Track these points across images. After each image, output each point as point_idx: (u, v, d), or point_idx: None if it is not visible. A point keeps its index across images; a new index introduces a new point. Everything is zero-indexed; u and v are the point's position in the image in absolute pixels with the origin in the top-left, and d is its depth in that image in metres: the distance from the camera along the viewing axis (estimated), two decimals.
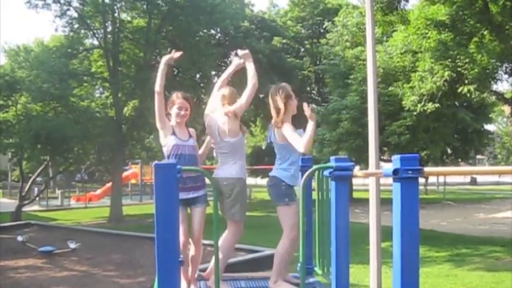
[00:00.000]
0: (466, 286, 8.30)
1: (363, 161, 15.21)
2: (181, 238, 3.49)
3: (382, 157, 15.32)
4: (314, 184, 3.84)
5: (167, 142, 3.62)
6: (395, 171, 2.37)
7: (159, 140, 3.72)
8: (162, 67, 3.60)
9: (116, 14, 20.10)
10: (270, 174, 3.75)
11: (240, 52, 3.86)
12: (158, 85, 3.58)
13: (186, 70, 21.53)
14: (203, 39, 21.24)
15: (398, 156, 2.38)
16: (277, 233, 3.77)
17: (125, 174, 25.67)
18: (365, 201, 10.11)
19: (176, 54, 3.65)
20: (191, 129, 3.84)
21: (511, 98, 13.81)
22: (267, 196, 3.89)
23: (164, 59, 3.63)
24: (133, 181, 29.91)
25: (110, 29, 20.12)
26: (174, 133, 3.64)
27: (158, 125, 3.66)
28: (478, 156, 38.72)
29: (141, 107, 19.87)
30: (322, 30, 26.99)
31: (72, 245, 10.35)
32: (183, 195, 3.51)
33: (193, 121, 3.96)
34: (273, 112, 3.75)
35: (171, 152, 3.59)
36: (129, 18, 21.30)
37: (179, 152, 3.59)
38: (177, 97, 3.74)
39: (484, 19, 10.98)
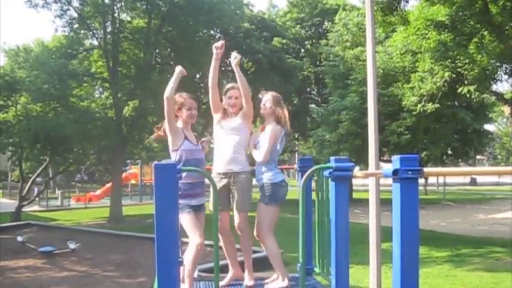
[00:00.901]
0: (465, 286, 8.30)
1: (363, 162, 15.21)
2: (199, 240, 3.48)
3: (382, 157, 15.31)
4: (314, 185, 3.84)
5: (181, 147, 3.62)
6: (395, 172, 2.37)
7: (169, 143, 3.70)
8: (176, 75, 3.61)
9: (115, 14, 20.10)
10: (283, 178, 3.80)
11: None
12: (170, 91, 3.55)
13: (186, 70, 21.49)
14: (203, 39, 21.24)
15: (398, 156, 2.39)
16: (277, 233, 3.78)
17: (124, 174, 25.68)
18: (365, 202, 10.12)
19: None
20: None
21: (510, 99, 13.82)
22: None
23: (178, 69, 3.65)
24: (133, 181, 29.91)
25: (109, 29, 20.12)
26: (186, 137, 3.66)
27: (169, 130, 3.65)
28: (478, 157, 38.70)
29: (141, 108, 19.88)
30: (321, 31, 27.04)
31: (72, 245, 10.34)
32: (200, 201, 3.64)
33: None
34: (277, 119, 3.82)
35: (184, 157, 3.60)
36: (129, 19, 21.30)
37: (192, 156, 3.63)
38: (183, 98, 3.75)
39: (484, 20, 10.98)
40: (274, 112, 3.83)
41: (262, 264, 4.26)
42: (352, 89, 16.22)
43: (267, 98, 3.88)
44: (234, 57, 3.79)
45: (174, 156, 3.64)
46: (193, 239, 3.47)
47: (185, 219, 3.49)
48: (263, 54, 23.79)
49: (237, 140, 3.77)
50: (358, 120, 15.02)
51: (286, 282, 3.69)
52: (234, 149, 3.74)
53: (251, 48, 24.06)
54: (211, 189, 3.42)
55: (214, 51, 3.83)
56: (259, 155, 3.74)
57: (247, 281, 3.75)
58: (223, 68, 26.52)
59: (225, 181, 3.73)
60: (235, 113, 3.83)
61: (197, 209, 3.63)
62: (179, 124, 3.71)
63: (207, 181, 3.65)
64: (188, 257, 3.47)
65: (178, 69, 3.67)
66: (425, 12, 11.78)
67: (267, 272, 3.99)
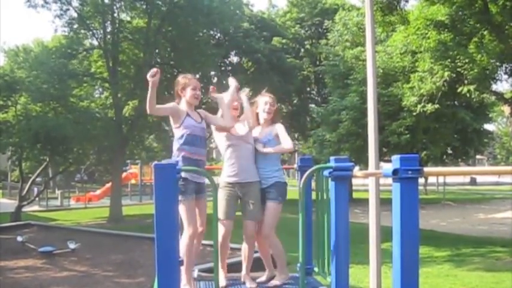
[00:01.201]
0: (465, 286, 8.30)
1: (363, 162, 15.20)
2: (192, 229, 3.50)
3: (383, 158, 15.25)
4: (314, 184, 3.84)
5: (183, 123, 3.62)
6: (395, 172, 2.37)
7: (171, 123, 3.72)
8: (150, 90, 3.42)
9: (115, 14, 20.09)
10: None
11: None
12: (150, 107, 3.45)
13: (186, 70, 21.52)
14: (203, 39, 21.24)
15: (398, 156, 2.39)
16: (278, 233, 3.78)
17: (124, 174, 25.67)
18: (364, 202, 10.11)
19: (153, 72, 3.41)
20: (201, 110, 3.83)
21: (510, 98, 13.81)
22: None
23: (150, 82, 3.40)
24: (133, 181, 29.90)
25: (109, 29, 20.11)
26: (188, 114, 3.66)
27: (169, 114, 3.66)
28: (478, 157, 38.72)
29: (140, 107, 19.87)
30: (321, 31, 27.03)
31: (72, 245, 10.32)
32: (200, 179, 3.60)
33: None
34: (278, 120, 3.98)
35: (186, 132, 3.60)
36: (128, 19, 21.28)
37: (195, 132, 3.62)
38: (188, 79, 3.74)
39: (483, 19, 10.97)
40: (278, 113, 3.97)
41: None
42: (352, 89, 16.21)
43: (269, 101, 3.91)
44: (244, 93, 3.92)
45: (177, 133, 3.64)
46: (187, 229, 3.51)
47: (184, 206, 3.46)
48: (262, 54, 23.80)
49: (248, 147, 3.80)
50: (358, 120, 15.01)
51: (288, 274, 3.86)
52: (246, 158, 3.77)
53: (250, 48, 24.07)
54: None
55: (232, 85, 3.81)
56: (286, 144, 3.77)
57: (249, 283, 3.78)
58: (223, 68, 26.62)
59: (235, 190, 3.74)
60: (235, 117, 3.86)
61: (198, 191, 3.62)
62: (183, 105, 3.70)
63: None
64: (182, 246, 3.48)
65: (150, 82, 3.38)
66: (425, 12, 11.76)
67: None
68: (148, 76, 3.37)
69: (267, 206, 3.73)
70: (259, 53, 23.88)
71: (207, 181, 3.63)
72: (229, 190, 3.73)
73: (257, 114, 3.93)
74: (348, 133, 15.78)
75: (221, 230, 3.67)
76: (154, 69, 3.40)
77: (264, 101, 3.91)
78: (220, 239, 3.66)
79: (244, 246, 3.86)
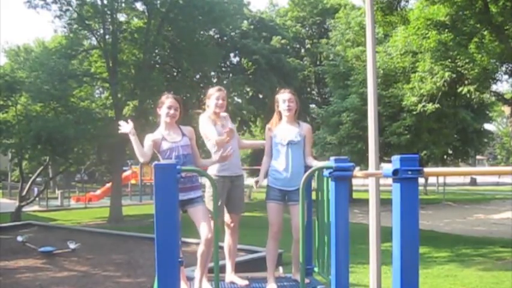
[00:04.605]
0: (465, 286, 8.30)
1: (364, 164, 15.16)
2: None
3: (385, 158, 15.19)
4: (314, 184, 3.85)
5: (160, 149, 3.71)
6: (395, 172, 2.37)
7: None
8: (132, 139, 3.62)
9: (114, 15, 20.07)
10: None
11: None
12: (140, 155, 3.61)
13: (186, 70, 21.53)
14: (202, 39, 21.23)
15: (398, 156, 2.39)
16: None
17: (124, 174, 25.67)
18: (363, 202, 10.12)
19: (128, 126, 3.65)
20: (188, 128, 3.86)
21: (511, 99, 13.81)
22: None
23: (130, 133, 3.63)
24: (133, 181, 29.90)
25: (109, 29, 20.09)
26: (163, 138, 3.71)
27: (155, 148, 3.75)
28: (478, 157, 38.74)
29: (141, 107, 19.88)
30: (322, 30, 27.06)
31: (72, 246, 10.34)
32: (182, 196, 3.52)
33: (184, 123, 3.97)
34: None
35: (165, 156, 3.67)
36: (124, 18, 21.24)
37: (173, 154, 3.65)
38: (166, 97, 3.80)
39: (484, 19, 10.97)
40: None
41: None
42: (353, 90, 16.19)
43: (291, 97, 3.86)
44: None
45: (161, 158, 3.73)
46: None
47: None
48: (261, 55, 23.78)
49: (235, 143, 3.87)
50: (359, 122, 14.98)
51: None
52: (236, 153, 3.86)
53: (248, 49, 24.06)
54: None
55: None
56: (309, 153, 3.79)
57: (240, 281, 3.84)
58: (223, 69, 26.62)
59: (228, 184, 3.81)
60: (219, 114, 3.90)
61: (189, 203, 3.63)
62: (162, 124, 3.77)
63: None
64: None
65: (129, 133, 3.63)
66: (425, 12, 11.76)
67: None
68: (124, 130, 3.63)
69: (296, 209, 3.57)
70: (257, 54, 23.88)
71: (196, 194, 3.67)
72: (222, 184, 3.76)
73: (279, 112, 3.87)
74: (349, 136, 15.75)
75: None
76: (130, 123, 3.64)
77: (290, 97, 3.86)
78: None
79: (229, 241, 3.91)
